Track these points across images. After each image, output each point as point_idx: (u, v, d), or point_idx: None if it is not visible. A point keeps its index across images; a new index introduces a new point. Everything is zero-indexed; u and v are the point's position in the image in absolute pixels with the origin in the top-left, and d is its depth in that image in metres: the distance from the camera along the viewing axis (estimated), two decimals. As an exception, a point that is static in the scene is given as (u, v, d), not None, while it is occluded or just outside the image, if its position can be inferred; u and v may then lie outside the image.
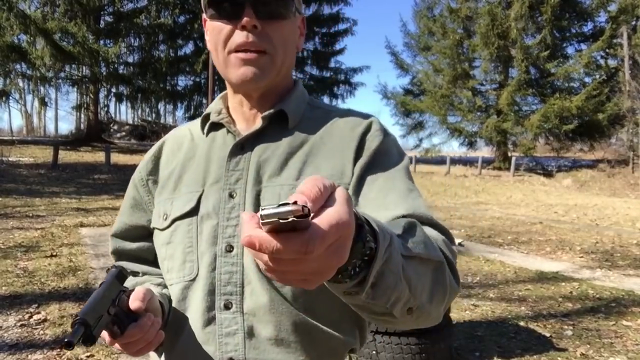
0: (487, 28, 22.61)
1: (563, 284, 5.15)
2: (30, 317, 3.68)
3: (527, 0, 22.02)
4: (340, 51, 28.46)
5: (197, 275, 0.82)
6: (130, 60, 25.06)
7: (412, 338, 2.79)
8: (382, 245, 0.53)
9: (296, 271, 0.44)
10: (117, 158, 18.55)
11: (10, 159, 16.39)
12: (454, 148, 31.46)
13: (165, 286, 0.91)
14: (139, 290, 0.77)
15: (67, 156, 18.06)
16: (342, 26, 28.17)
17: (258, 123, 0.86)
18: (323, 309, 0.80)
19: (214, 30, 0.83)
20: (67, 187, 12.49)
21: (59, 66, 22.19)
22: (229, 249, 0.81)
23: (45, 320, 3.63)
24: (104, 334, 0.73)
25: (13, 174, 13.92)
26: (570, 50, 24.97)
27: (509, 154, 25.14)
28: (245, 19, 0.79)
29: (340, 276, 0.53)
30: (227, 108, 0.91)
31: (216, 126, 0.90)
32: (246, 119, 0.89)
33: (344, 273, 0.52)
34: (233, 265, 0.80)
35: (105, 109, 27.91)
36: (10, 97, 23.66)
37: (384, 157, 0.84)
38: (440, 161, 25.98)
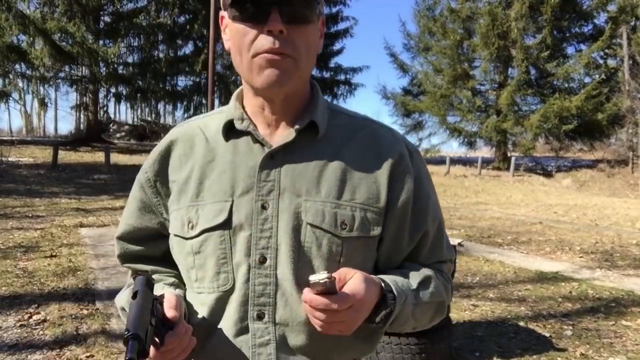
0: (487, 28, 22.61)
1: (563, 284, 5.15)
2: (30, 317, 3.68)
3: (527, 1, 22.02)
4: (340, 51, 28.46)
5: (232, 286, 0.83)
6: (129, 60, 25.01)
7: (412, 338, 2.79)
8: (398, 304, 0.80)
9: (333, 322, 0.73)
10: (117, 158, 18.54)
11: (10, 159, 16.38)
12: (454, 148, 31.48)
13: (177, 286, 0.92)
14: (170, 298, 0.78)
15: (66, 156, 18.05)
16: (341, 26, 28.18)
17: (285, 131, 0.86)
18: None
19: (238, 33, 0.81)
20: (66, 187, 12.48)
21: (59, 66, 22.17)
22: (262, 260, 0.82)
23: (44, 320, 3.62)
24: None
25: (13, 174, 13.91)
26: (570, 50, 25.00)
27: (509, 154, 25.14)
28: (272, 24, 0.77)
29: (370, 323, 0.80)
30: (244, 110, 0.89)
31: (237, 132, 0.87)
32: (268, 123, 0.87)
33: (371, 321, 0.81)
34: (267, 277, 0.82)
35: (105, 109, 27.89)
36: (10, 98, 23.64)
37: (421, 197, 0.89)
38: (440, 161, 25.97)
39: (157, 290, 0.87)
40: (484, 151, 29.45)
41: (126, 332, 0.67)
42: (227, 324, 0.83)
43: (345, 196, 0.83)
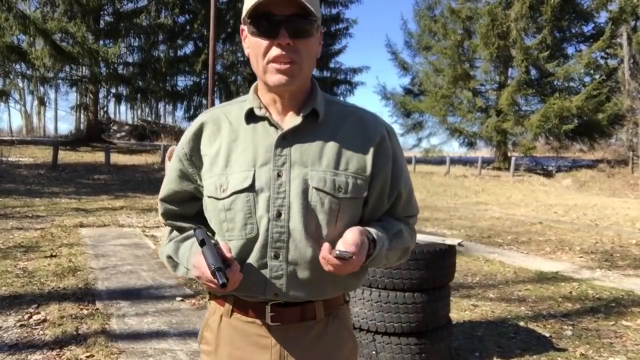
0: (488, 28, 22.61)
1: (563, 284, 5.15)
2: (30, 317, 3.68)
3: (528, 1, 22.02)
4: (340, 51, 28.46)
5: (256, 234, 1.08)
6: (129, 60, 25.00)
7: (412, 338, 2.79)
8: (377, 249, 1.08)
9: (343, 270, 1.01)
10: (117, 158, 18.54)
11: (10, 159, 16.39)
12: (454, 148, 31.47)
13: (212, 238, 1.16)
14: (223, 244, 1.04)
15: (66, 156, 18.05)
16: (342, 25, 28.21)
17: (293, 117, 1.11)
18: None
19: (255, 44, 1.06)
20: (66, 187, 12.49)
21: (59, 66, 22.14)
22: (278, 215, 1.07)
23: (44, 320, 3.62)
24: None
25: (13, 174, 13.92)
26: (570, 50, 24.99)
27: (509, 154, 25.14)
28: (281, 38, 1.01)
29: None
30: (260, 100, 1.13)
31: (256, 117, 1.12)
32: (279, 112, 1.12)
33: None
34: (282, 228, 1.07)
35: (105, 109, 27.88)
36: (10, 98, 23.64)
37: (396, 167, 1.17)
38: (440, 161, 25.97)
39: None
40: (484, 151, 29.44)
41: (212, 266, 0.94)
42: (252, 261, 1.08)
43: (341, 167, 1.09)
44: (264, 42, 1.03)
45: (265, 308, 1.11)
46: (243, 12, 1.07)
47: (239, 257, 1.09)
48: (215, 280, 0.94)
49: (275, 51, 1.02)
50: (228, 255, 1.01)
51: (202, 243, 0.99)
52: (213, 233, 1.16)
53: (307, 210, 1.07)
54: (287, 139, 1.09)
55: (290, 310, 1.11)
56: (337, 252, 0.98)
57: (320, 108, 1.11)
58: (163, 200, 1.22)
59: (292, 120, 1.10)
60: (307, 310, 1.12)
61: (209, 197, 1.12)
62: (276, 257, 1.08)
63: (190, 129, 1.17)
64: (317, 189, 1.07)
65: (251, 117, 1.12)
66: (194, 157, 1.15)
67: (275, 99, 1.11)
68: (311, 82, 1.15)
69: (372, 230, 1.09)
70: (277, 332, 1.12)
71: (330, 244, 1.05)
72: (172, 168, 1.19)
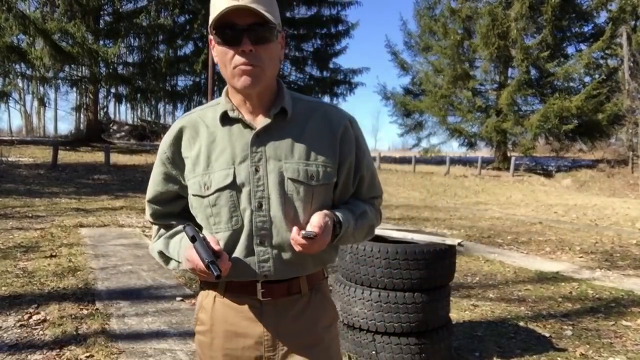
0: (488, 28, 22.62)
1: (563, 284, 5.15)
2: (30, 317, 3.68)
3: (527, 1, 22.03)
4: (341, 52, 28.46)
5: (242, 225, 1.19)
6: (129, 60, 24.99)
7: (412, 338, 2.79)
8: (344, 229, 1.21)
9: (311, 249, 1.14)
10: (117, 158, 18.53)
11: (9, 159, 16.38)
12: (454, 148, 31.45)
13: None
14: (211, 237, 1.15)
15: (66, 156, 18.04)
16: (342, 27, 28.21)
17: (264, 116, 1.21)
18: None
19: (221, 52, 1.16)
20: (66, 187, 12.48)
21: (59, 66, 22.13)
22: (260, 206, 1.19)
23: (44, 320, 3.62)
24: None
25: (13, 174, 13.91)
26: (570, 50, 25.02)
27: (509, 154, 25.14)
28: (244, 46, 1.11)
29: None
30: (232, 103, 1.23)
31: (230, 119, 1.22)
32: (250, 112, 1.22)
33: None
34: (264, 217, 1.19)
35: (105, 109, 27.88)
36: (10, 98, 23.63)
37: (359, 153, 1.29)
38: (440, 161, 25.98)
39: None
40: (484, 151, 29.45)
41: (206, 260, 1.05)
42: (239, 249, 1.20)
43: (311, 158, 1.21)
44: (229, 51, 1.13)
45: (256, 285, 1.22)
46: (209, 23, 1.16)
47: (227, 246, 1.20)
48: (210, 272, 1.05)
49: (239, 58, 1.13)
50: (217, 247, 1.11)
51: (193, 239, 1.09)
52: (200, 227, 1.25)
53: (285, 199, 1.19)
54: (260, 137, 1.20)
55: (278, 286, 1.23)
56: (303, 232, 1.12)
57: (288, 106, 1.21)
58: (150, 201, 1.32)
59: (263, 119, 1.21)
60: (292, 285, 1.24)
61: (194, 195, 1.23)
62: (262, 243, 1.19)
63: (169, 133, 1.27)
64: (292, 180, 1.19)
65: (226, 119, 1.22)
66: (176, 159, 1.25)
67: (244, 100, 1.21)
68: (277, 82, 1.25)
69: (338, 213, 1.22)
70: (268, 306, 1.23)
71: (303, 227, 1.18)
72: (156, 172, 1.29)
